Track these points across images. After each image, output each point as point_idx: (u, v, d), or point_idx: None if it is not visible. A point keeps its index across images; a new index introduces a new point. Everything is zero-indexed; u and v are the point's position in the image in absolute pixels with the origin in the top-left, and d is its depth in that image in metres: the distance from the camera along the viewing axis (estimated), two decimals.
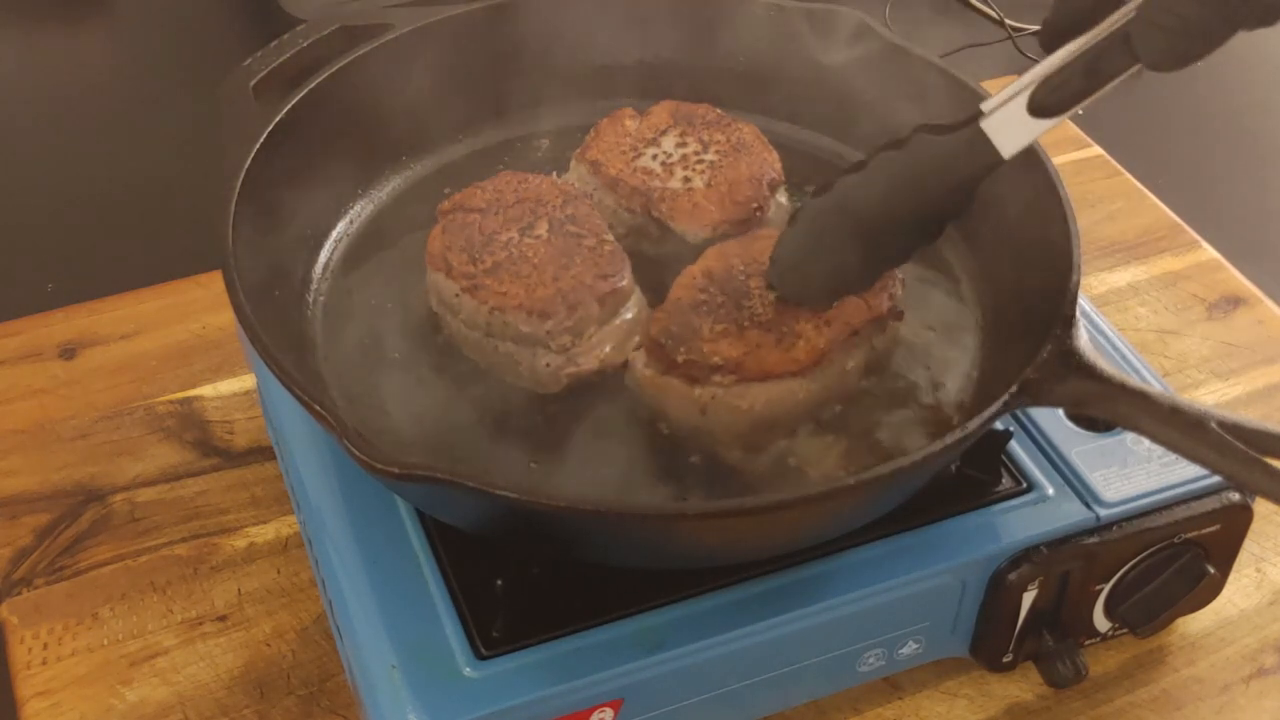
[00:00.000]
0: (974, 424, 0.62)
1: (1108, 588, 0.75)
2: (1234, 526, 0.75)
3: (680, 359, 0.69)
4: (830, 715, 0.77)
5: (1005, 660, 0.76)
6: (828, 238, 0.69)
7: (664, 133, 0.82)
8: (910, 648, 0.74)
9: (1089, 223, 1.11)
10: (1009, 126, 0.63)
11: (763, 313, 0.70)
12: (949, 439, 0.61)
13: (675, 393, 0.69)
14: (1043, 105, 0.61)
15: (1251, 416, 0.59)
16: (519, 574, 0.66)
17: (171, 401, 0.95)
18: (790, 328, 0.70)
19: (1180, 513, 0.73)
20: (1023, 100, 0.62)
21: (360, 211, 0.84)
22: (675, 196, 0.78)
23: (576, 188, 0.79)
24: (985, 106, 0.63)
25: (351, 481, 0.73)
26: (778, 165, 0.81)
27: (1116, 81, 0.59)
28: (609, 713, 0.67)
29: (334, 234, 0.82)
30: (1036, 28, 1.36)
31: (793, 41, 0.86)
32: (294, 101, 0.78)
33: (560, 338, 0.71)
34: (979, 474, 0.74)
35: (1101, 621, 0.77)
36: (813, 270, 0.70)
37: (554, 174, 0.82)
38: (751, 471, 0.70)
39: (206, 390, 0.95)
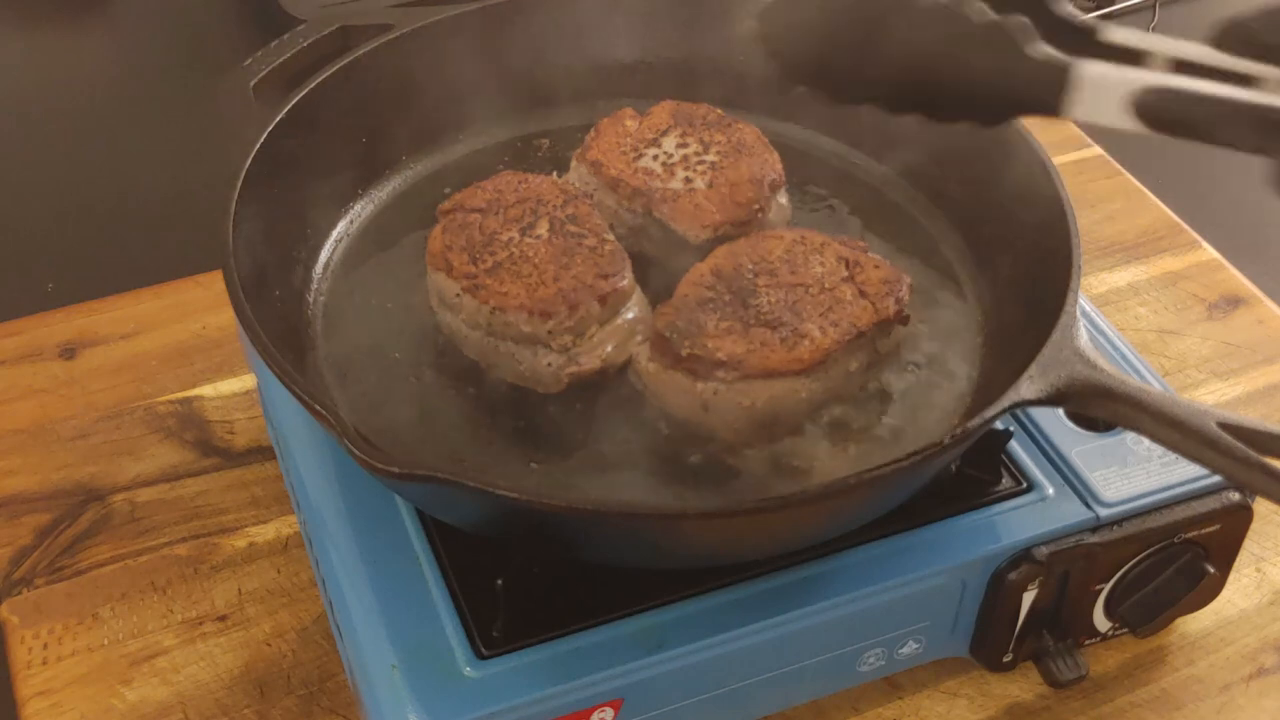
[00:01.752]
0: (974, 424, 0.62)
1: (1108, 587, 0.75)
2: (1234, 526, 0.75)
3: (684, 353, 0.69)
4: (830, 715, 0.77)
5: (1005, 660, 0.76)
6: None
7: (665, 133, 0.82)
8: (910, 648, 0.74)
9: (1089, 223, 1.11)
10: (1098, 96, 0.51)
11: (769, 312, 0.70)
12: (949, 439, 0.61)
13: (678, 387, 0.69)
14: (1157, 115, 0.49)
15: (1251, 416, 0.59)
16: (519, 574, 0.65)
17: (171, 401, 0.94)
18: (795, 328, 0.70)
19: (1180, 513, 0.73)
20: (1132, 88, 0.50)
21: (360, 211, 0.84)
22: (676, 197, 0.78)
23: (577, 188, 0.79)
24: (1106, 36, 0.52)
25: (351, 481, 0.73)
26: (778, 166, 0.81)
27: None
28: (609, 713, 0.67)
29: (334, 234, 0.82)
30: None
31: None
32: (294, 102, 0.78)
33: (561, 337, 0.71)
34: (979, 474, 0.74)
35: (1101, 621, 0.77)
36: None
37: (554, 174, 0.82)
38: (752, 471, 0.70)
39: (206, 390, 0.95)
